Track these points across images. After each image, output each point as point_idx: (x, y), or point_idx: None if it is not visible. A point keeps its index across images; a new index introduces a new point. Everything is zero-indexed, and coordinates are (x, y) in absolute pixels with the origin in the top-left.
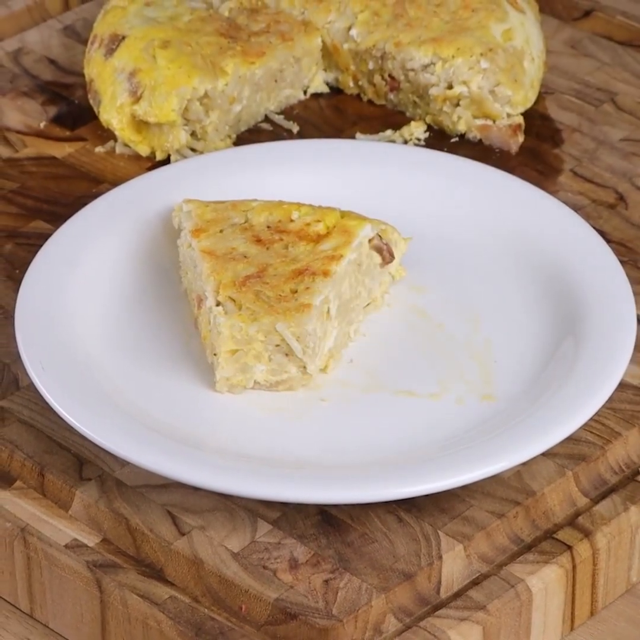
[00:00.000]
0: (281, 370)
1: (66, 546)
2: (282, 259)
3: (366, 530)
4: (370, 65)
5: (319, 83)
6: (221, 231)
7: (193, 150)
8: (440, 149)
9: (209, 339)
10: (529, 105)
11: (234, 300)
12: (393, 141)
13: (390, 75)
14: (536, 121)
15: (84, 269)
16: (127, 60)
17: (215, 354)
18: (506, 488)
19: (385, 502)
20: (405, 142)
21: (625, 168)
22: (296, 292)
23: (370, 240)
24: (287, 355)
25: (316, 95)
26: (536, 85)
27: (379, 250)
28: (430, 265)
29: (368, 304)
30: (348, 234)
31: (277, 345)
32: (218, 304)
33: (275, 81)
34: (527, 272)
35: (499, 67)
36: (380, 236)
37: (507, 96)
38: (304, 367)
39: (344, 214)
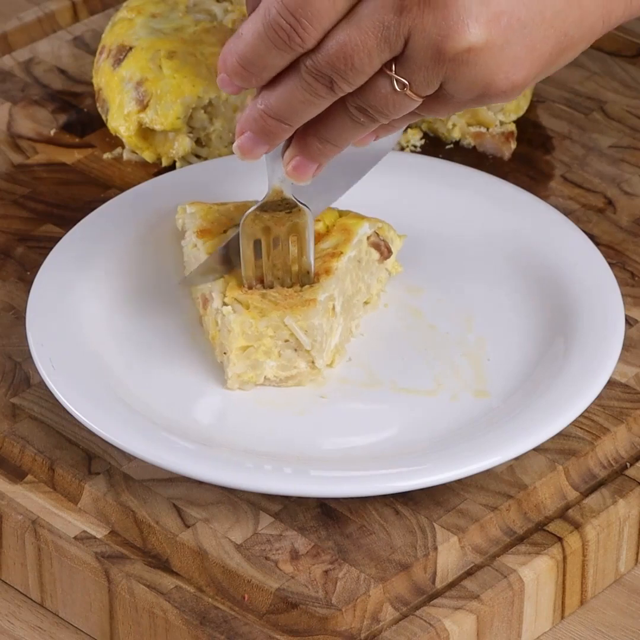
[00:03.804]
0: (291, 365)
1: (75, 538)
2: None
3: (364, 523)
4: None
5: None
6: (225, 232)
7: (197, 156)
8: (436, 156)
9: (218, 339)
10: (521, 113)
11: (240, 302)
12: None
13: None
14: (528, 129)
15: (92, 271)
16: (134, 70)
17: (225, 353)
18: (499, 482)
19: (383, 495)
20: (402, 148)
21: (614, 174)
22: (300, 290)
23: (368, 238)
24: (296, 350)
25: None
26: (528, 94)
27: (376, 246)
28: (425, 268)
29: (367, 302)
30: (347, 232)
31: (286, 341)
32: (225, 304)
33: None
34: (519, 274)
35: None
36: (377, 233)
37: (500, 105)
38: (313, 362)
39: (342, 213)
